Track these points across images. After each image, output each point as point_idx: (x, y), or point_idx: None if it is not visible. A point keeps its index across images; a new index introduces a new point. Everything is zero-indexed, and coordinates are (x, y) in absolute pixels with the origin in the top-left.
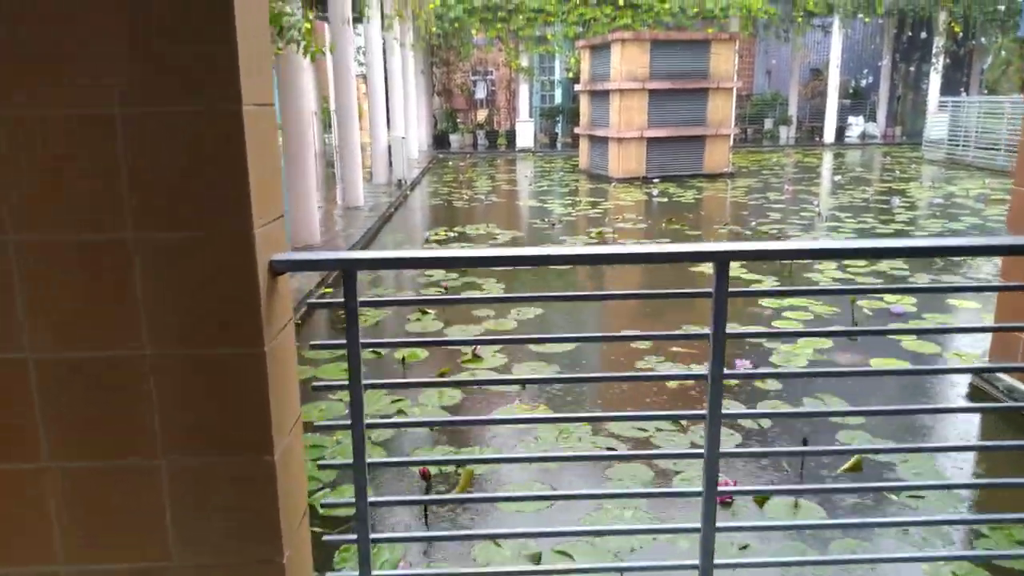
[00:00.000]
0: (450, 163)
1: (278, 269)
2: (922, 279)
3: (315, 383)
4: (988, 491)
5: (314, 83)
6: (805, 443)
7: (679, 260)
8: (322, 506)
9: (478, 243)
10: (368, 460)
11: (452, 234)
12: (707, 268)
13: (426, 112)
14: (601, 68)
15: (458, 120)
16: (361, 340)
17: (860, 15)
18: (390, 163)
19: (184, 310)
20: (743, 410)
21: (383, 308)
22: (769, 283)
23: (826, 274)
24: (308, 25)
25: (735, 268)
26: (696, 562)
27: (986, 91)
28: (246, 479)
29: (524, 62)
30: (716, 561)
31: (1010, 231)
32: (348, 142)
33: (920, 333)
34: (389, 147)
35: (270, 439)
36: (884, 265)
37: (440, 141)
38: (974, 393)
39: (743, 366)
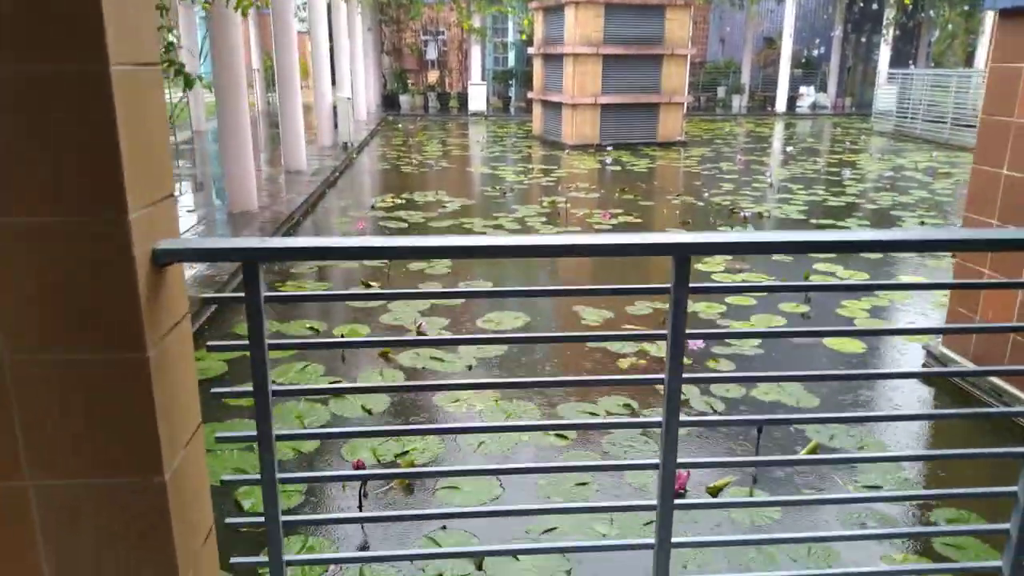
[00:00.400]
0: (400, 125)
1: (162, 259)
2: (875, 253)
3: (214, 389)
4: (937, 469)
5: (258, 39)
6: (759, 431)
7: (633, 253)
8: (226, 525)
9: (426, 211)
10: (279, 475)
11: (399, 201)
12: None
13: (375, 72)
14: (555, 31)
15: (409, 81)
16: (268, 340)
17: None
18: (335, 125)
19: (47, 310)
20: (699, 416)
21: (311, 289)
22: (720, 256)
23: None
24: None
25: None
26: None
27: (933, 64)
28: (131, 503)
29: (476, 23)
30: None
31: (969, 210)
32: (289, 102)
33: (879, 289)
34: (334, 108)
35: (158, 456)
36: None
37: (390, 102)
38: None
39: (696, 346)
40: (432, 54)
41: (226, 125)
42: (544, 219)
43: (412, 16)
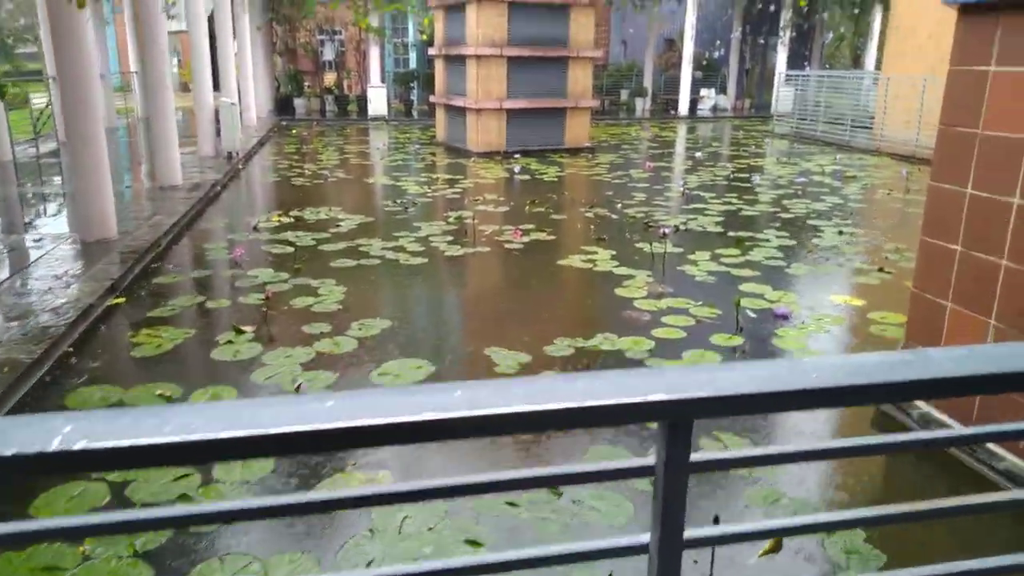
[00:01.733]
0: (294, 131)
1: None
2: (800, 269)
3: None
4: None
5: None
6: (716, 521)
7: (619, 422)
8: None
9: (318, 230)
10: None
11: (288, 219)
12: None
13: (266, 74)
14: (456, 31)
15: (304, 84)
16: None
17: None
18: (218, 132)
19: None
20: None
21: (178, 329)
22: (642, 278)
23: (700, 266)
24: None
25: (601, 257)
26: None
27: (827, 66)
28: None
29: (374, 22)
30: None
31: (928, 234)
32: (159, 109)
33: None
34: (217, 114)
35: None
36: (758, 255)
37: (283, 106)
38: (881, 419)
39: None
40: (329, 55)
41: (77, 140)
42: (450, 238)
43: (305, 14)
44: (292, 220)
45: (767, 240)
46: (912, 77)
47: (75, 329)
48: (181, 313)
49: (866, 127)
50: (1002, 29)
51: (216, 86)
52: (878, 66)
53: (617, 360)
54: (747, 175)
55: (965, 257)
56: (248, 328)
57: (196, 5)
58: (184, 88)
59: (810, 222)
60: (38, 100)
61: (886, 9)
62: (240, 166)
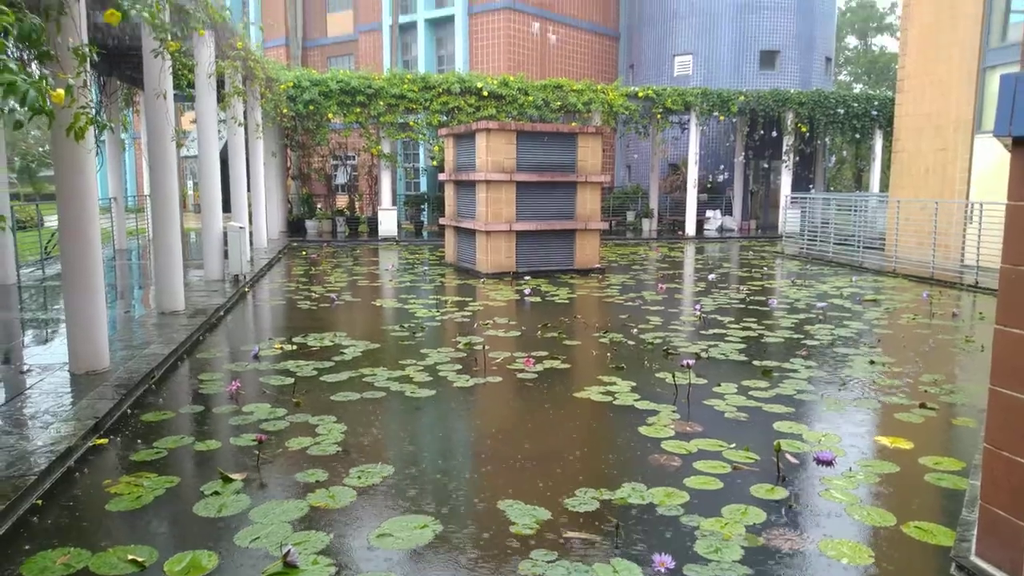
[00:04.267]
0: (304, 253)
1: None
2: (835, 404)
3: None
4: None
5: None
6: None
7: None
8: None
9: (321, 358)
10: None
11: (291, 346)
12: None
13: (279, 197)
14: (466, 158)
15: (316, 206)
16: None
17: (716, 113)
18: (226, 255)
19: None
20: None
21: (161, 476)
22: (667, 414)
23: (728, 400)
24: (61, 93)
25: (620, 388)
26: None
27: (831, 188)
28: None
29: (386, 148)
30: None
31: (997, 383)
32: (164, 233)
33: None
34: (225, 236)
35: None
36: (789, 388)
37: (295, 228)
38: None
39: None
40: (341, 179)
41: (71, 264)
42: (459, 366)
43: (319, 141)
44: (295, 347)
45: (795, 370)
46: (921, 201)
47: (48, 476)
48: (167, 457)
49: (877, 248)
50: None
51: (228, 207)
52: (882, 188)
53: (650, 517)
54: (763, 298)
55: None
56: (237, 476)
57: (207, 134)
58: (199, 209)
59: (837, 350)
60: (52, 222)
61: (886, 136)
62: (246, 289)
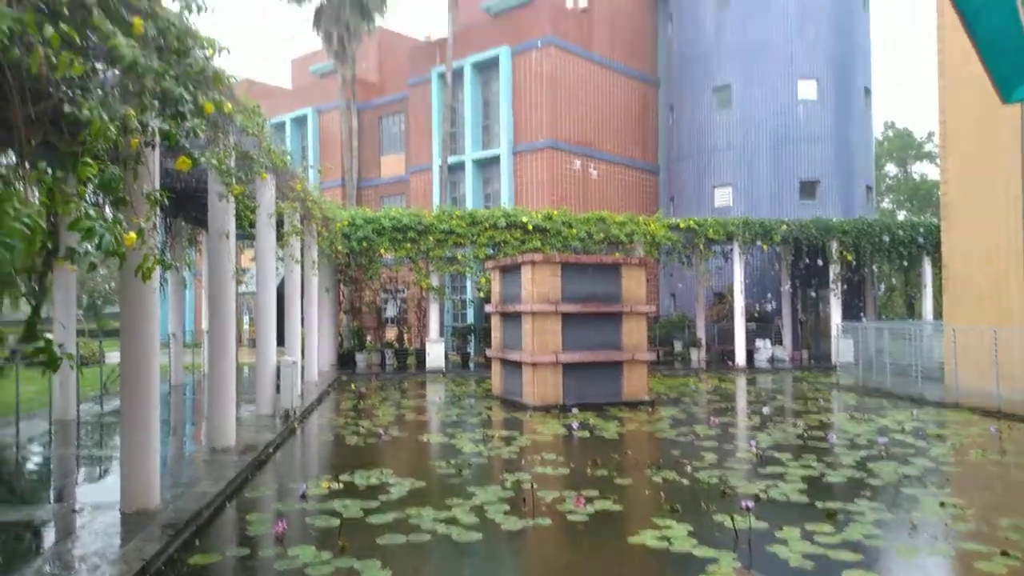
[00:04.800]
0: (353, 386)
1: None
2: (908, 552)
3: None
4: None
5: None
6: None
7: None
8: None
9: (367, 497)
10: None
11: (338, 485)
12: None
13: (330, 331)
14: (512, 289)
15: (366, 338)
16: None
17: (758, 243)
18: (277, 389)
19: None
20: None
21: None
22: (727, 563)
23: (792, 547)
24: (133, 236)
25: (676, 533)
26: None
27: (882, 316)
28: None
29: (435, 282)
30: None
31: None
32: (219, 370)
33: None
34: (278, 371)
35: None
36: (855, 532)
37: (345, 360)
38: None
39: None
40: (391, 312)
41: (128, 402)
42: (507, 507)
43: (371, 276)
44: (342, 486)
45: (861, 513)
46: (978, 329)
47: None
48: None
49: (937, 379)
50: None
51: (281, 341)
52: (936, 315)
53: None
54: (822, 433)
55: None
56: None
57: (266, 271)
58: (254, 344)
59: (903, 490)
60: (113, 357)
61: (935, 263)
62: (296, 425)
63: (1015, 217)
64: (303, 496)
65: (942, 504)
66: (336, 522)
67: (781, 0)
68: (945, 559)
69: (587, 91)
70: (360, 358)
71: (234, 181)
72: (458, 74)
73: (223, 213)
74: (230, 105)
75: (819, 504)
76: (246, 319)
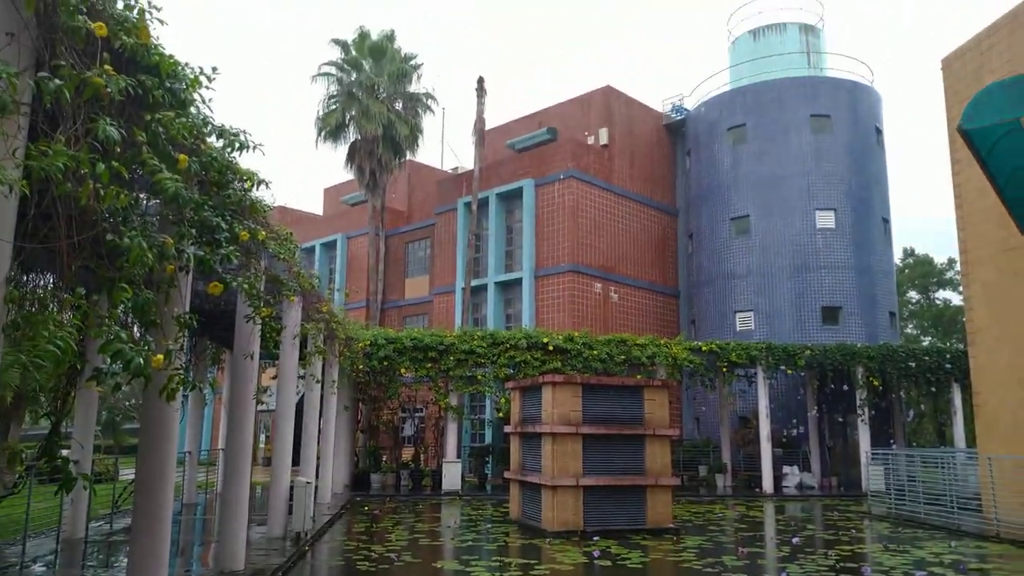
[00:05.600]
0: (367, 508)
1: None
2: None
3: None
4: None
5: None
6: None
7: None
8: None
9: None
10: None
11: None
12: None
13: (346, 451)
14: (532, 410)
15: (383, 458)
16: None
17: (782, 367)
18: (290, 511)
19: None
20: None
21: None
22: None
23: None
24: (160, 358)
25: None
26: None
27: (912, 443)
28: None
29: (454, 401)
30: None
31: None
32: (233, 490)
33: None
34: (291, 491)
35: None
36: None
37: (360, 481)
38: None
39: None
40: (408, 431)
41: (138, 518)
42: None
43: (390, 395)
44: None
45: None
46: (1015, 457)
47: None
48: None
49: (974, 509)
50: None
51: (296, 460)
52: (968, 442)
53: None
54: (855, 565)
55: None
56: None
57: (287, 391)
58: (268, 462)
59: None
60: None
61: (964, 389)
62: (307, 548)
63: None
64: None
65: None
66: None
67: (797, 138)
68: None
69: (607, 220)
70: (375, 478)
71: (262, 304)
72: (483, 203)
73: (249, 334)
74: (264, 232)
75: None
76: (262, 437)
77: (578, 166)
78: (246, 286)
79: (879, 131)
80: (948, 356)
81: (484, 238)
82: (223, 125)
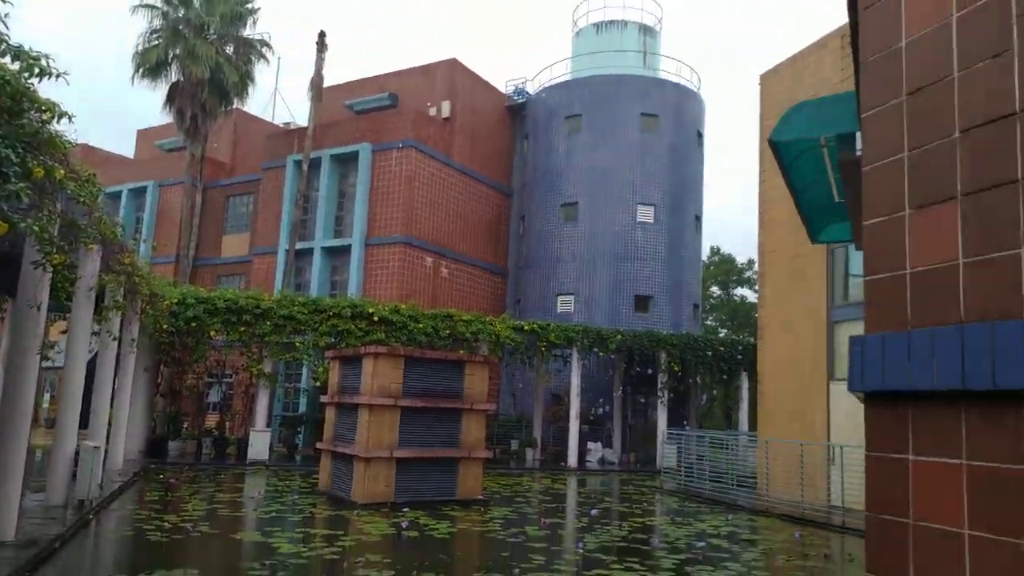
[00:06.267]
0: (162, 475)
1: None
2: None
3: None
4: None
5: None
6: None
7: None
8: None
9: None
10: None
11: None
12: None
13: (144, 415)
14: (352, 380)
15: (183, 425)
16: None
17: (595, 349)
18: (74, 476)
19: None
20: None
21: None
22: None
23: None
24: None
25: None
26: None
27: (703, 425)
28: None
29: (267, 368)
30: None
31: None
32: (8, 452)
33: None
34: (77, 455)
35: None
36: None
37: (156, 448)
38: None
39: None
40: (214, 397)
41: None
42: None
43: (197, 358)
44: None
45: None
46: (787, 442)
47: None
48: None
49: (750, 486)
50: (913, 416)
51: (85, 424)
52: (751, 426)
53: None
54: (645, 536)
55: None
56: None
57: (78, 348)
58: (52, 424)
59: None
60: None
61: (751, 378)
62: (91, 516)
63: (820, 341)
64: None
65: None
66: None
67: (626, 133)
68: None
69: (444, 194)
70: (174, 446)
71: (55, 250)
72: (315, 163)
73: (37, 282)
74: (62, 171)
75: None
76: (47, 396)
77: (418, 136)
78: (36, 228)
79: (700, 135)
80: (740, 348)
81: (314, 200)
82: (21, 46)
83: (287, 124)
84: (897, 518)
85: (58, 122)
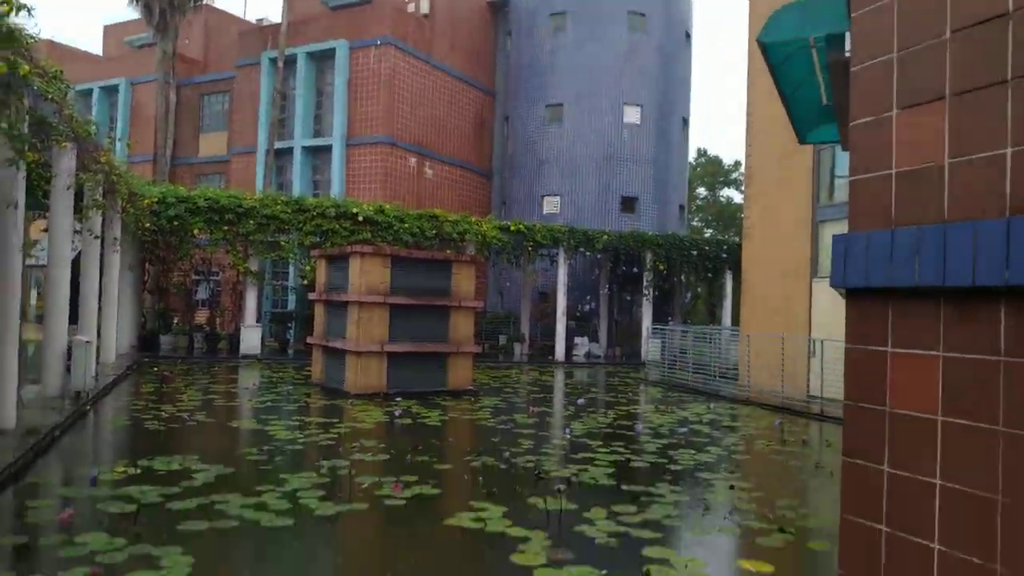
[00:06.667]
0: (155, 369)
1: None
2: (700, 530)
3: None
4: None
5: None
6: None
7: None
8: None
9: (168, 484)
10: None
11: (135, 470)
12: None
13: (132, 311)
14: (339, 279)
15: (173, 321)
16: None
17: (582, 249)
18: (68, 370)
19: None
20: None
21: None
22: (538, 541)
23: (599, 526)
24: None
25: (491, 515)
26: None
27: (686, 320)
28: None
29: (254, 266)
30: None
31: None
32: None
33: None
34: (69, 350)
35: None
36: (657, 513)
37: (148, 343)
38: None
39: None
40: (202, 294)
41: None
42: (322, 492)
43: (181, 257)
44: (140, 471)
45: (662, 495)
46: (769, 335)
47: None
48: None
49: (732, 378)
50: (893, 311)
51: (74, 320)
52: (734, 322)
53: None
54: (629, 423)
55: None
56: None
57: (60, 246)
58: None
59: (699, 475)
60: None
61: (736, 276)
62: (88, 407)
63: (805, 240)
64: (94, 482)
65: (731, 487)
66: (132, 507)
67: (613, 32)
68: (732, 536)
69: (425, 93)
70: (165, 340)
71: (27, 148)
72: (291, 61)
73: (11, 181)
74: (27, 67)
75: (625, 487)
76: (33, 293)
77: (396, 33)
78: (4, 125)
79: (688, 35)
80: (725, 247)
81: (291, 98)
82: None
83: (260, 20)
84: (874, 406)
85: (16, 14)
